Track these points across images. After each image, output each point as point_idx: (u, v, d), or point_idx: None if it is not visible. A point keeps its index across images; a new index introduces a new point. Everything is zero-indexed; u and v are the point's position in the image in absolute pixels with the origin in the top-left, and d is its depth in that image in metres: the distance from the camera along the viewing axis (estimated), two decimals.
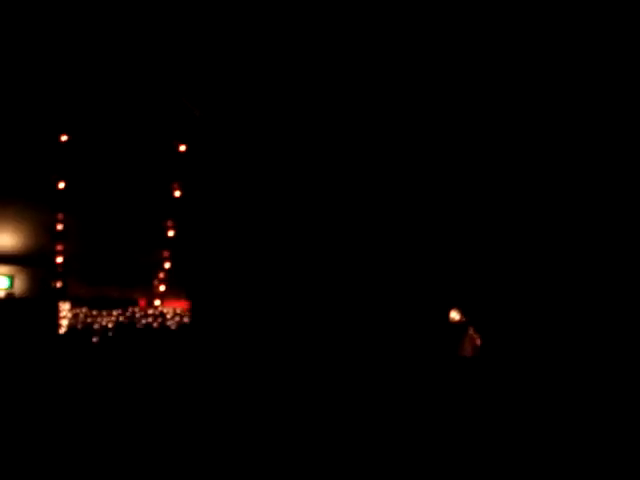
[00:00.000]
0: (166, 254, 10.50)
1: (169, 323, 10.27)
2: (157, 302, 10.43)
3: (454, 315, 9.47)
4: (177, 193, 10.49)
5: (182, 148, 10.49)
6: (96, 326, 10.19)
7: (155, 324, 10.24)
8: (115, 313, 10.25)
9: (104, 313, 10.26)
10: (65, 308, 10.26)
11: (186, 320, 10.24)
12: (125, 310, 10.28)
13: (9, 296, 10.25)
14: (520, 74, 9.49)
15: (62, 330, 10.13)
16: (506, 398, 8.12)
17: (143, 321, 10.25)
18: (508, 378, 8.48)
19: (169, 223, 10.48)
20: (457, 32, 9.42)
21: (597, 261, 9.23)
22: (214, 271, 10.05)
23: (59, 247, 10.54)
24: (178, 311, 10.37)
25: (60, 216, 10.53)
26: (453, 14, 9.32)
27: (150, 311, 10.42)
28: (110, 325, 10.16)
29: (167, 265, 10.49)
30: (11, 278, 10.34)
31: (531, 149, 9.58)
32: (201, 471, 5.51)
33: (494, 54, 9.48)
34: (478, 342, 9.09)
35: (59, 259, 10.52)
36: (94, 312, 10.27)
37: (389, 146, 9.97)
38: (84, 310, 10.27)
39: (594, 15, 8.92)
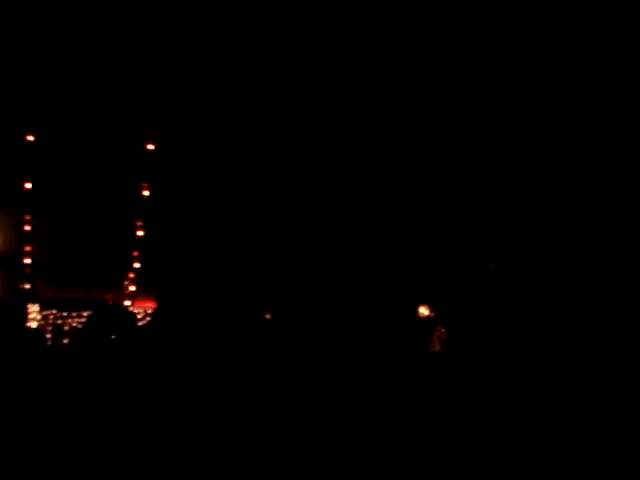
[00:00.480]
0: (135, 254, 10.46)
1: (140, 323, 10.23)
2: (127, 302, 10.39)
3: (423, 310, 9.58)
4: (146, 192, 10.45)
5: (150, 147, 10.44)
6: (66, 327, 10.13)
7: (125, 324, 10.19)
8: (85, 314, 10.20)
9: (74, 314, 10.20)
10: (34, 310, 10.18)
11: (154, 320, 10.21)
12: (95, 311, 10.23)
13: None
14: (520, 74, 9.58)
15: (31, 332, 10.04)
16: (476, 393, 8.25)
17: (113, 322, 10.21)
18: (478, 374, 8.60)
19: (138, 223, 10.44)
20: (457, 32, 9.48)
21: (570, 256, 9.39)
22: (183, 271, 10.05)
23: (27, 248, 10.44)
24: (149, 311, 10.34)
25: (27, 217, 10.43)
26: (453, 14, 9.38)
27: (122, 311, 10.38)
28: (80, 326, 10.10)
29: (137, 265, 10.45)
30: None
31: (509, 147, 9.70)
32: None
33: (494, 54, 9.56)
34: (446, 338, 9.20)
35: (27, 260, 10.43)
36: (64, 314, 10.20)
37: (352, 148, 10.03)
38: (53, 312, 10.20)
39: (594, 15, 9.03)
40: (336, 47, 9.71)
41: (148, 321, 10.25)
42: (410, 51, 9.68)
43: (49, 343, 10.01)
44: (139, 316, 10.27)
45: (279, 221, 10.08)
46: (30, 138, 10.40)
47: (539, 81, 9.53)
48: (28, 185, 10.40)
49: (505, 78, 9.62)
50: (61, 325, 10.13)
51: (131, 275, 10.46)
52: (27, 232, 10.43)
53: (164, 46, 9.82)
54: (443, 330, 9.41)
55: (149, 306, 10.42)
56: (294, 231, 10.05)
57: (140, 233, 10.46)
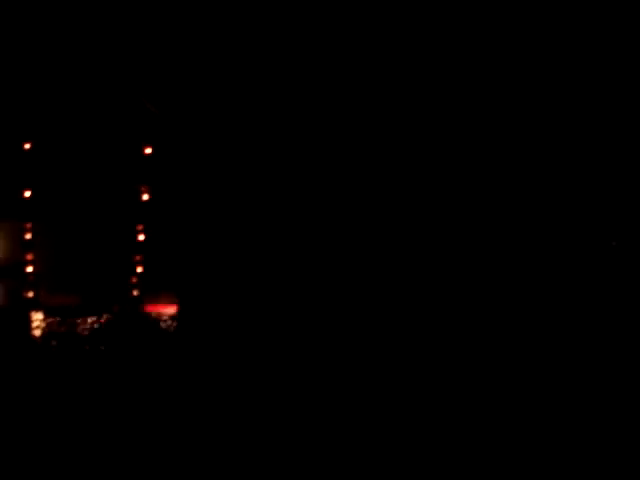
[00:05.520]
0: (138, 258, 10.42)
1: (145, 328, 10.20)
2: (131, 307, 10.36)
3: None
4: (145, 196, 10.40)
5: (148, 150, 10.39)
6: (70, 335, 10.11)
7: (130, 329, 10.18)
8: (90, 320, 10.18)
9: (78, 321, 10.18)
10: (38, 318, 10.16)
11: (162, 324, 10.19)
12: (99, 317, 10.21)
13: None
14: (520, 74, 9.55)
15: (35, 340, 10.04)
16: (481, 390, 8.22)
17: (118, 327, 10.19)
18: (482, 370, 8.58)
19: (139, 227, 10.39)
20: (457, 32, 9.45)
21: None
22: (195, 272, 10.03)
23: (29, 256, 10.40)
24: (153, 315, 10.31)
25: (28, 225, 10.40)
26: (453, 14, 9.35)
27: (125, 317, 10.36)
28: (85, 333, 10.09)
29: (139, 269, 10.41)
30: None
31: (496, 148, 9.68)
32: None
33: (494, 54, 9.53)
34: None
35: (29, 268, 10.40)
36: (68, 320, 10.18)
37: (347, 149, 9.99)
38: (57, 319, 10.19)
39: (594, 15, 9.00)
40: (334, 48, 9.67)
41: (156, 326, 10.25)
42: (410, 51, 9.66)
43: (54, 350, 10.01)
44: (144, 321, 10.26)
45: (283, 221, 10.04)
46: (27, 146, 10.37)
47: (539, 81, 9.52)
48: (27, 193, 10.37)
49: (505, 78, 9.60)
50: (65, 332, 10.11)
51: (134, 280, 10.42)
52: (28, 240, 10.39)
53: (159, 48, 9.77)
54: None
55: (153, 310, 10.38)
56: (298, 228, 10.01)
57: (141, 237, 10.42)
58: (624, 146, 9.23)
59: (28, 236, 10.43)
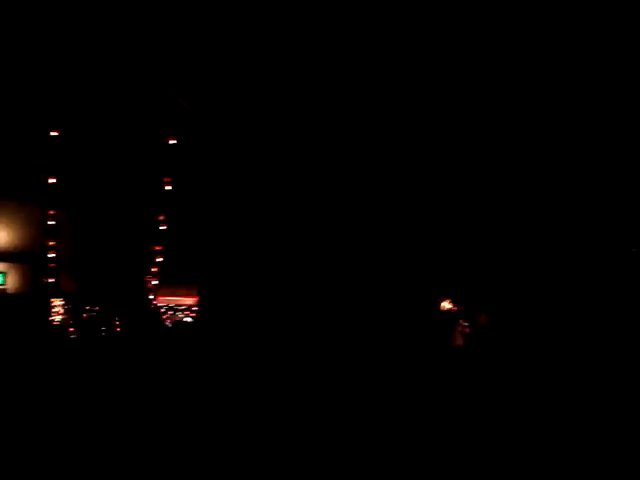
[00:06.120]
0: (158, 248, 10.53)
1: (163, 317, 10.31)
2: (150, 296, 10.48)
3: (445, 305, 9.57)
4: (168, 187, 10.51)
5: (172, 142, 10.49)
6: (89, 321, 10.22)
7: (149, 318, 10.28)
8: (108, 308, 10.29)
9: (97, 308, 10.30)
10: (58, 303, 10.29)
11: (180, 315, 10.30)
12: (118, 305, 10.32)
13: (2, 292, 10.26)
14: (520, 74, 9.54)
15: (55, 325, 10.16)
16: (497, 388, 8.23)
17: (137, 315, 10.31)
18: (498, 368, 8.59)
19: (161, 217, 10.50)
20: (457, 32, 9.45)
21: (588, 254, 9.36)
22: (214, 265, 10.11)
23: (51, 243, 10.54)
24: (171, 305, 10.42)
25: (51, 212, 10.53)
26: (453, 14, 9.36)
27: (144, 305, 10.47)
28: (103, 320, 10.20)
29: (160, 259, 10.52)
30: (3, 275, 10.34)
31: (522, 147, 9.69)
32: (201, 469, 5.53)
33: (494, 54, 9.53)
34: (468, 332, 9.20)
35: (51, 255, 10.53)
36: (87, 307, 10.30)
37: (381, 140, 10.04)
38: (77, 305, 10.31)
39: (594, 15, 8.98)
40: (355, 52, 9.74)
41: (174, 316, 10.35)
42: (409, 51, 9.70)
43: (73, 336, 10.13)
44: (162, 310, 10.36)
45: (302, 213, 10.09)
46: (53, 134, 10.48)
47: (539, 81, 9.52)
48: (52, 180, 10.49)
49: (505, 78, 9.61)
50: (85, 318, 10.23)
51: (154, 269, 10.54)
52: (51, 227, 10.52)
53: (185, 42, 9.84)
54: (465, 324, 9.41)
55: (171, 300, 10.49)
56: (317, 221, 10.06)
57: (163, 227, 10.52)
58: None
59: (51, 222, 10.57)
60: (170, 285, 10.62)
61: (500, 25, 9.35)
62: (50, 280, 10.54)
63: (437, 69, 9.74)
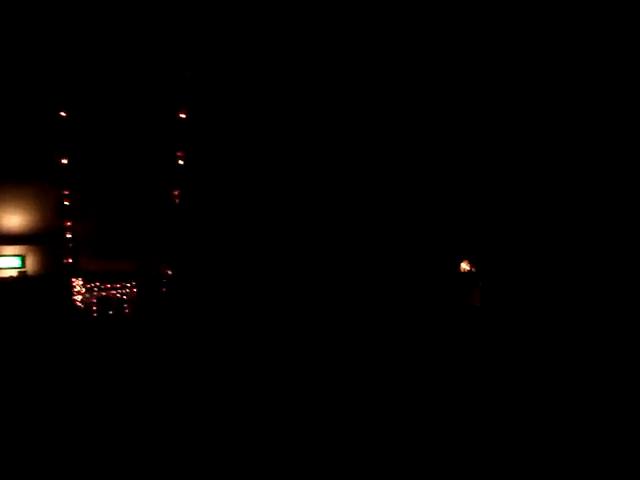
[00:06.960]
0: (175, 224, 10.52)
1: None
2: (169, 272, 10.49)
3: (465, 266, 9.55)
4: (181, 162, 10.48)
5: (182, 116, 10.44)
6: (110, 299, 10.28)
7: (168, 295, 10.32)
8: (128, 286, 10.34)
9: (117, 286, 10.34)
10: (78, 284, 10.34)
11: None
12: (138, 282, 10.36)
13: (22, 275, 10.33)
14: (520, 74, 9.46)
15: (77, 305, 10.22)
16: (514, 345, 8.24)
17: (156, 292, 10.34)
18: (515, 327, 8.61)
19: (176, 192, 10.48)
20: (457, 32, 9.35)
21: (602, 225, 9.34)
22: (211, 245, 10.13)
23: (67, 223, 10.57)
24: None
25: (66, 192, 10.55)
26: (453, 14, 9.25)
27: (163, 282, 10.50)
28: (125, 297, 10.26)
29: (177, 235, 10.52)
30: (22, 257, 10.40)
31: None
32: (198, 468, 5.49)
33: (494, 54, 9.44)
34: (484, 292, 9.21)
35: (68, 235, 10.57)
36: (107, 285, 10.35)
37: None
38: (97, 284, 10.36)
39: (594, 15, 8.86)
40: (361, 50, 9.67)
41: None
42: (410, 51, 9.62)
43: (94, 315, 10.20)
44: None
45: (316, 188, 10.07)
46: (63, 114, 10.45)
47: (539, 81, 9.44)
48: (64, 161, 10.49)
49: (505, 78, 9.53)
50: (105, 297, 10.29)
51: (171, 245, 10.54)
52: (66, 207, 10.55)
53: (192, 15, 9.75)
54: (483, 285, 9.41)
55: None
56: (333, 191, 10.04)
57: (177, 202, 10.51)
58: None
59: (66, 203, 10.60)
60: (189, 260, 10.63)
61: (500, 25, 9.26)
62: (69, 260, 10.59)
63: (437, 66, 9.69)
